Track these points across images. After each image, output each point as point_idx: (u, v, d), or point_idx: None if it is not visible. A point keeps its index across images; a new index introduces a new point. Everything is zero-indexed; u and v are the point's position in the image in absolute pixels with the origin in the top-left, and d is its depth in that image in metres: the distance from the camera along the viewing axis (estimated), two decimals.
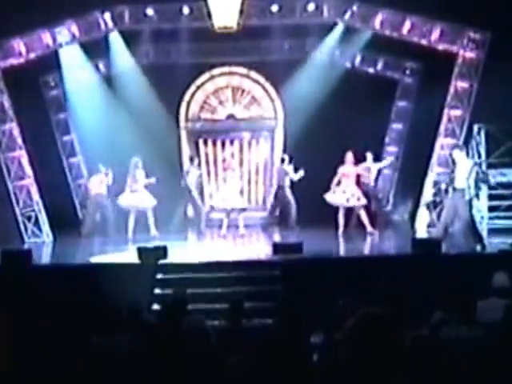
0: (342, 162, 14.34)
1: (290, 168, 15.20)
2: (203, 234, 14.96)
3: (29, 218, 14.57)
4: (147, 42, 16.02)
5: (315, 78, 16.31)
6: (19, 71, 14.35)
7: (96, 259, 11.51)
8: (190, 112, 17.73)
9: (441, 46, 14.30)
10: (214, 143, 17.74)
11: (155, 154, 15.61)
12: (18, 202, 14.57)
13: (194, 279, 10.08)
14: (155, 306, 9.40)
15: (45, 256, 13.13)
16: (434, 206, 14.25)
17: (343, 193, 14.08)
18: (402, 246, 11.87)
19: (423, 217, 14.46)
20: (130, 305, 6.57)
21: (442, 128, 14.45)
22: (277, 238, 14.38)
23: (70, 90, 16.57)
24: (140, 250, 10.79)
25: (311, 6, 14.60)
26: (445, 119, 14.40)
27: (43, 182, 14.99)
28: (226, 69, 17.65)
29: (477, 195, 12.43)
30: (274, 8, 14.62)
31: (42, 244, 14.25)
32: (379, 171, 16.08)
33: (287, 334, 5.32)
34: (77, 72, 16.21)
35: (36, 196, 14.68)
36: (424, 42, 14.35)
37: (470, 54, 14.16)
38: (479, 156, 13.44)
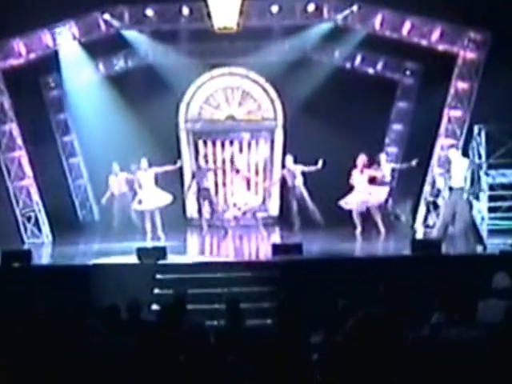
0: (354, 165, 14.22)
1: (297, 167, 14.97)
2: (205, 234, 14.90)
3: (28, 219, 14.57)
4: (147, 42, 15.99)
5: (315, 79, 16.30)
6: (19, 72, 14.36)
7: (97, 260, 11.50)
8: (190, 113, 17.73)
9: (441, 47, 14.29)
10: (214, 144, 17.74)
11: (155, 154, 15.59)
12: (17, 203, 14.57)
13: (193, 279, 10.07)
14: (154, 307, 9.38)
15: (44, 256, 13.12)
16: (433, 206, 14.23)
17: (358, 192, 14.01)
18: (401, 247, 11.85)
19: (423, 218, 14.45)
20: (130, 305, 6.56)
21: (442, 129, 14.44)
22: (276, 238, 14.36)
23: (70, 89, 16.55)
24: (139, 251, 10.79)
25: (311, 7, 14.60)
26: (445, 120, 14.39)
27: (43, 182, 14.99)
28: (225, 69, 17.65)
29: (477, 196, 12.42)
30: (274, 8, 14.61)
31: (42, 244, 14.24)
32: (393, 170, 16.03)
33: (286, 334, 5.31)
34: (77, 72, 16.19)
35: (36, 196, 14.67)
36: (424, 42, 14.34)
37: (470, 55, 14.15)
38: (479, 157, 13.41)
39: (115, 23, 14.70)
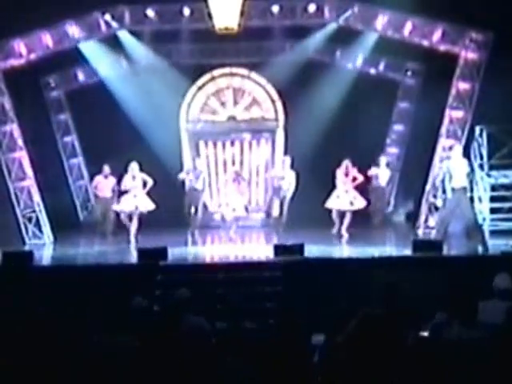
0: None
1: (281, 172, 14.91)
2: (203, 235, 14.88)
3: (29, 220, 14.55)
4: (148, 43, 15.98)
5: (317, 79, 16.30)
6: (20, 72, 14.34)
7: (98, 260, 11.51)
8: (191, 113, 17.71)
9: (442, 47, 14.27)
10: (215, 144, 17.73)
11: (156, 155, 15.59)
12: (18, 203, 14.54)
13: (194, 280, 10.04)
14: (155, 307, 9.36)
15: (46, 257, 13.11)
16: (435, 207, 14.21)
17: (346, 192, 13.97)
18: (403, 248, 11.84)
19: (424, 218, 14.43)
20: (130, 306, 6.54)
21: (443, 129, 14.42)
22: (277, 239, 14.33)
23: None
24: (140, 251, 10.78)
25: (312, 7, 14.57)
26: (446, 120, 14.37)
27: (44, 183, 14.97)
28: (226, 70, 17.63)
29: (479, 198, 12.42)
30: (275, 9, 14.60)
31: (43, 245, 14.23)
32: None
33: (288, 335, 5.30)
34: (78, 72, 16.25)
35: (37, 197, 14.65)
36: (425, 42, 14.32)
37: (471, 55, 14.12)
38: (481, 158, 13.40)
39: (115, 24, 14.70)
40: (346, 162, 14.10)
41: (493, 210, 13.26)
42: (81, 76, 17.16)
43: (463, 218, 11.56)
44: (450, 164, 11.86)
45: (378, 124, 16.36)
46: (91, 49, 15.57)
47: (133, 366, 5.12)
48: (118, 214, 14.50)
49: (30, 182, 14.63)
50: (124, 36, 15.40)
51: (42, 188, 14.80)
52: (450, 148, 12.45)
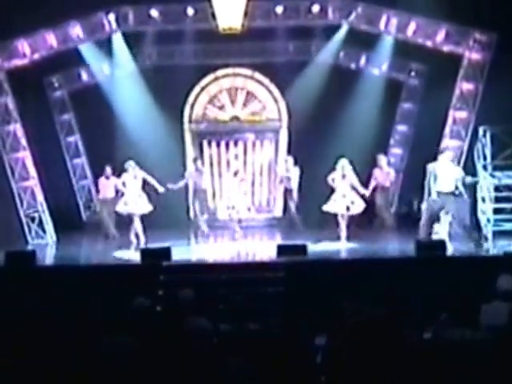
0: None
1: (286, 170, 15.02)
2: (206, 235, 14.87)
3: (33, 219, 14.56)
4: (151, 43, 15.99)
5: (320, 80, 16.28)
6: (23, 72, 14.36)
7: (101, 260, 11.51)
8: (194, 113, 17.72)
9: (446, 48, 14.26)
10: (218, 145, 17.74)
11: (159, 155, 15.58)
12: (21, 203, 14.56)
13: (197, 281, 10.04)
14: (158, 308, 9.36)
15: (48, 257, 13.12)
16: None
17: (343, 197, 13.80)
18: (406, 248, 11.82)
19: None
20: (133, 306, 6.54)
21: (447, 130, 14.41)
22: (281, 239, 14.33)
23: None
24: (143, 252, 10.77)
25: (316, 8, 14.58)
26: (450, 121, 14.36)
27: (47, 182, 14.99)
28: (230, 70, 17.64)
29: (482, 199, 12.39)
30: (279, 9, 14.61)
31: (46, 245, 14.24)
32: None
33: (290, 335, 5.28)
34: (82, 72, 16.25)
35: (40, 197, 14.67)
36: (429, 43, 14.31)
37: (475, 56, 14.12)
38: (484, 158, 13.37)
39: (119, 24, 14.72)
40: (343, 162, 13.85)
41: (496, 211, 13.22)
42: (84, 76, 17.14)
43: (458, 221, 11.56)
44: (436, 167, 11.78)
45: (381, 124, 16.34)
46: (91, 50, 15.57)
47: (135, 367, 5.12)
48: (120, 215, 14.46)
49: (34, 182, 14.64)
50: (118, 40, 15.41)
51: (45, 188, 14.82)
52: (442, 152, 12.40)
